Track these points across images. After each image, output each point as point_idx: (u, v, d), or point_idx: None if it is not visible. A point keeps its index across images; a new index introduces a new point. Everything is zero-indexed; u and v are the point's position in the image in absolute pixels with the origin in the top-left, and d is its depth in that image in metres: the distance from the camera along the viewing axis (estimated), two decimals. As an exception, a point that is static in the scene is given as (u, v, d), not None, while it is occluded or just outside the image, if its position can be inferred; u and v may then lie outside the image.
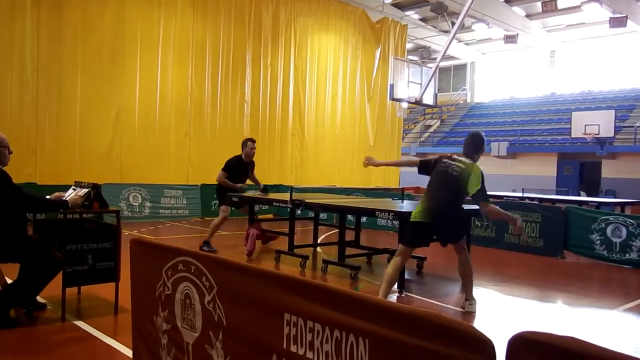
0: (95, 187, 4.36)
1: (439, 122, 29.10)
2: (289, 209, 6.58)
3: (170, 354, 2.65)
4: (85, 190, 4.29)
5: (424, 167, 4.85)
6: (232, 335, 2.28)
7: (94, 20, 11.07)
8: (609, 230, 7.60)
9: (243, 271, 2.25)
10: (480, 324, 4.51)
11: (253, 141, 7.59)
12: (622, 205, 10.48)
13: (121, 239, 4.31)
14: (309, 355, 1.92)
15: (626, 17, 18.77)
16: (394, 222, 6.27)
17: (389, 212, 5.13)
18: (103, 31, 11.22)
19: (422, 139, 27.83)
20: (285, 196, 6.86)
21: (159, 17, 12.06)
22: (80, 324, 4.01)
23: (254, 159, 7.79)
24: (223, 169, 7.44)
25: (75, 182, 4.60)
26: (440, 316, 1.54)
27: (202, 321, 2.45)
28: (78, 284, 4.33)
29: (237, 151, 7.66)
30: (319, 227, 8.19)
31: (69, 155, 10.72)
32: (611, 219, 7.64)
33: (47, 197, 4.22)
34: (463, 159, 4.63)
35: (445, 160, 4.70)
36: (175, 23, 12.35)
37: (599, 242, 7.69)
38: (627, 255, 7.40)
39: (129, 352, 3.29)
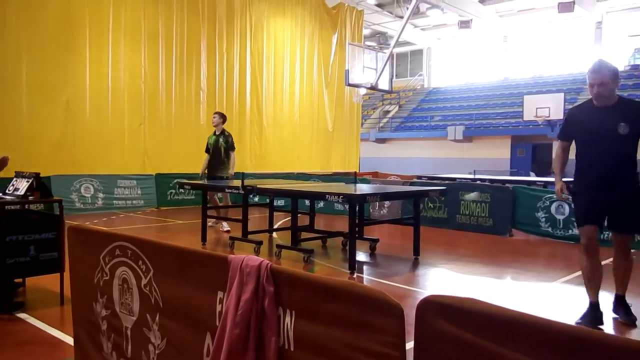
0: (37, 177, 4.26)
1: (397, 107, 29.44)
2: (241, 194, 6.58)
3: (110, 340, 2.65)
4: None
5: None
6: (168, 316, 2.31)
7: (38, 6, 10.63)
8: (553, 207, 7.94)
9: (176, 253, 2.28)
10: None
11: (215, 113, 8.73)
12: (567, 183, 10.89)
13: (65, 229, 4.23)
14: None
15: (573, 2, 19.39)
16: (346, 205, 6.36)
17: (339, 195, 5.21)
18: (48, 17, 10.79)
19: (381, 124, 28.12)
20: (238, 182, 6.86)
21: (108, 1, 11.69)
22: (24, 316, 3.93)
23: (231, 133, 8.68)
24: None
25: (16, 172, 4.48)
26: (355, 284, 1.61)
27: (140, 304, 2.46)
28: (20, 276, 4.24)
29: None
30: (279, 213, 8.23)
31: (16, 146, 10.29)
32: (555, 197, 7.96)
33: None
34: None
35: None
36: (126, 9, 12.00)
37: (544, 219, 8.03)
38: (570, 231, 7.75)
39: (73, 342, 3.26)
